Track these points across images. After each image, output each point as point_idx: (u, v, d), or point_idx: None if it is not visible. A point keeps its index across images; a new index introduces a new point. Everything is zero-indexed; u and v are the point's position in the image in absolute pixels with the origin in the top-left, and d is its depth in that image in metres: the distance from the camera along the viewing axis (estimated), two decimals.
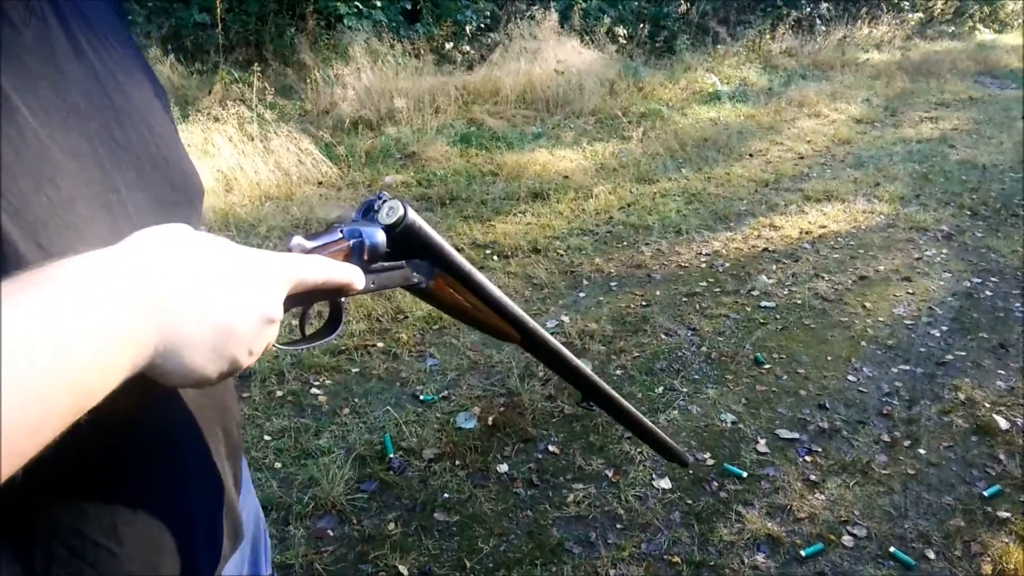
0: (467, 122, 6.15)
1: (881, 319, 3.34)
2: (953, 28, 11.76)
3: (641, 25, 8.81)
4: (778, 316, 3.36)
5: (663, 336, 3.18)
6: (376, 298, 3.35)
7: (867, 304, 3.47)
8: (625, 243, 4.16)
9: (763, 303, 3.48)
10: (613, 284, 3.68)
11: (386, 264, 0.66)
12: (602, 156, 5.68)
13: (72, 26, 0.53)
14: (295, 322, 0.65)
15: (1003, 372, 2.92)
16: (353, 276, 0.57)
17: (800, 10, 10.10)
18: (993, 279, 3.75)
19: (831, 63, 9.15)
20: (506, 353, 3.00)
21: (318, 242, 0.62)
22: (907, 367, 2.95)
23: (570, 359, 0.97)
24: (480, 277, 0.77)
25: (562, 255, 3.97)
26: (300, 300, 0.56)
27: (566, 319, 3.31)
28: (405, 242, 0.66)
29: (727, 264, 3.91)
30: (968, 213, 4.64)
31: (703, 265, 3.91)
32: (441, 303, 0.76)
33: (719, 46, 9.02)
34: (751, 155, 5.88)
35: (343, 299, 0.64)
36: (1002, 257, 3.99)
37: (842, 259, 3.97)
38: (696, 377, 2.87)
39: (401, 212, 0.64)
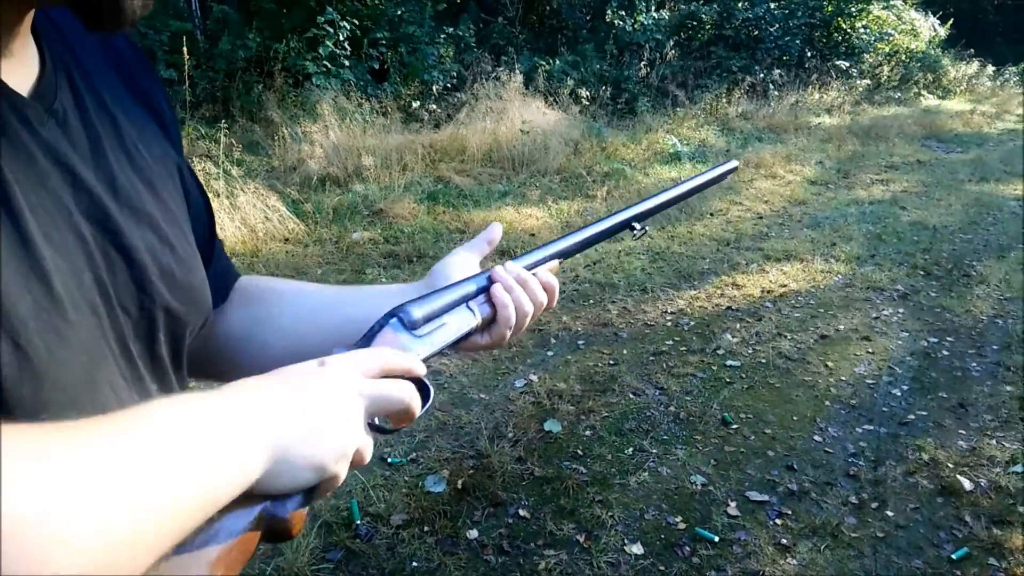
0: (434, 179, 6.20)
1: (843, 378, 3.39)
2: (899, 94, 12.30)
3: (603, 87, 9.05)
4: (743, 375, 3.39)
5: (631, 395, 3.19)
6: None
7: (829, 363, 3.53)
8: (592, 301, 4.19)
9: (728, 362, 3.51)
10: (581, 342, 3.70)
11: (433, 325, 0.69)
12: (567, 214, 5.75)
13: (97, 130, 0.53)
14: None
15: (964, 432, 2.97)
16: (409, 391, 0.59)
17: (754, 75, 10.49)
18: (949, 338, 3.85)
19: (785, 126, 9.48)
20: (475, 413, 2.97)
21: (367, 333, 0.66)
22: (871, 427, 2.99)
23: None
24: (541, 252, 0.81)
25: None
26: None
27: (535, 378, 3.30)
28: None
29: (692, 322, 3.96)
30: (922, 273, 4.78)
31: (668, 323, 3.95)
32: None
33: (678, 108, 9.30)
34: (712, 214, 6.01)
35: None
36: (956, 317, 4.11)
37: (803, 318, 4.05)
38: (665, 437, 2.88)
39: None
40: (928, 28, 14.11)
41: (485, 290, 0.75)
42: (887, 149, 8.86)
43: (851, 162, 8.16)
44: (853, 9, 11.85)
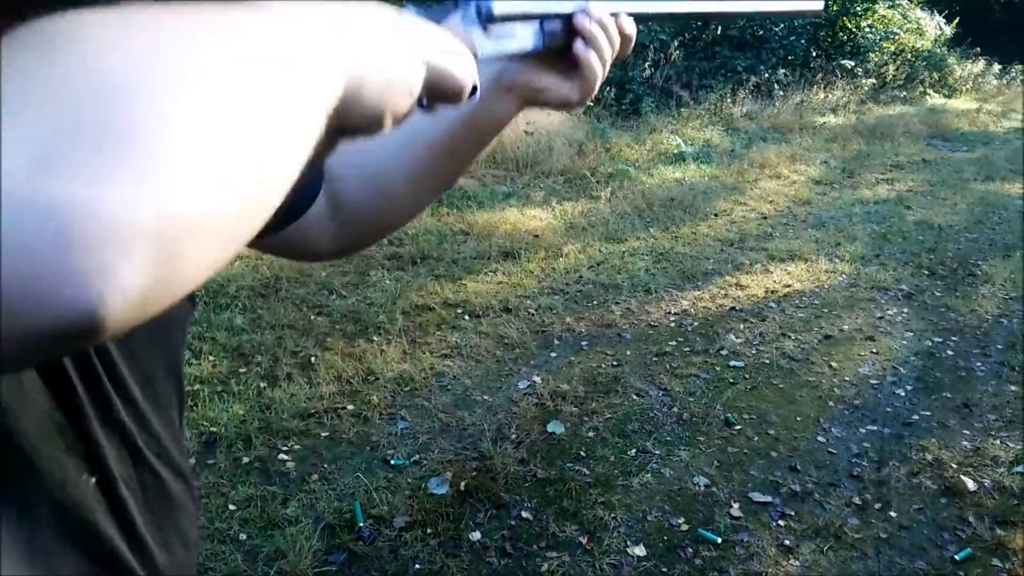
0: None
1: (847, 378, 3.39)
2: (905, 93, 12.26)
3: (608, 88, 9.04)
4: (747, 376, 3.39)
5: (634, 396, 3.19)
6: (345, 359, 3.32)
7: (833, 364, 3.52)
8: (595, 302, 4.19)
9: (732, 362, 3.51)
10: (584, 343, 3.70)
11: (504, 29, 0.64)
12: (571, 215, 5.76)
13: None
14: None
15: (968, 432, 2.97)
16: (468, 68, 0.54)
17: (759, 75, 10.47)
18: (954, 338, 3.84)
19: (790, 126, 9.46)
20: (478, 415, 2.98)
21: (432, 11, 0.61)
22: (875, 427, 2.99)
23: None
24: None
25: (533, 314, 3.98)
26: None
27: (538, 379, 3.30)
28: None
29: (696, 323, 3.95)
30: (927, 273, 4.77)
31: (672, 324, 3.94)
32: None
33: (683, 109, 9.29)
34: (716, 215, 6.01)
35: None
36: (961, 316, 4.09)
37: (807, 318, 4.04)
38: (668, 439, 2.88)
39: None
40: (934, 27, 14.07)
41: (566, 22, 0.68)
42: (892, 148, 8.83)
43: (856, 161, 8.14)
44: (858, 8, 11.82)
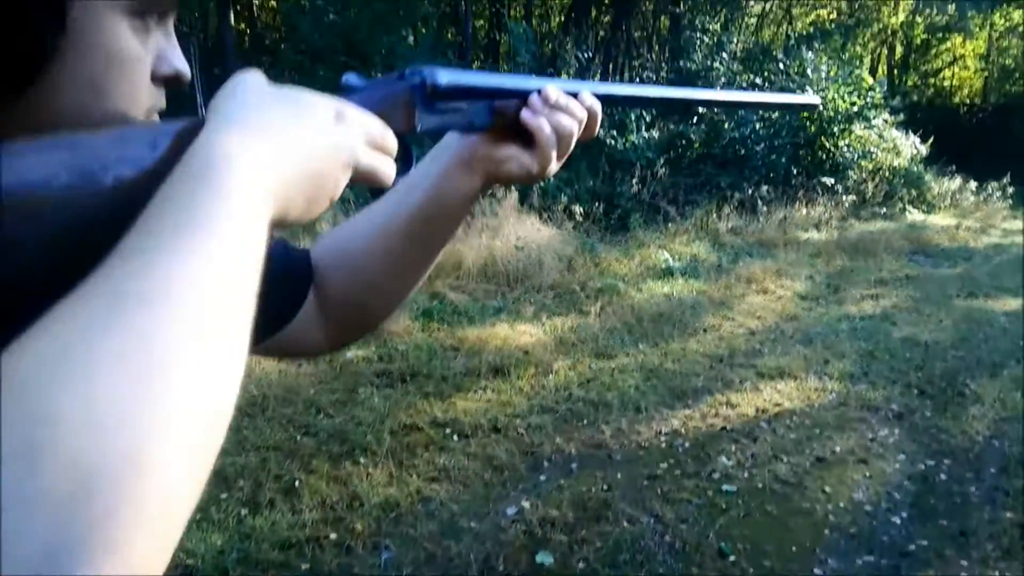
0: (429, 296, 6.27)
1: (842, 504, 3.33)
2: (885, 209, 12.63)
3: (597, 203, 9.30)
4: (740, 501, 3.33)
5: (625, 524, 3.12)
6: (330, 483, 3.25)
7: (827, 488, 3.47)
8: (585, 421, 4.16)
9: (724, 486, 3.46)
10: (574, 465, 3.64)
11: (449, 104, 0.65)
12: (561, 330, 5.79)
13: None
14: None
15: (966, 563, 2.90)
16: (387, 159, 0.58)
17: (743, 192, 10.80)
18: (947, 461, 3.80)
19: (774, 241, 9.68)
20: (464, 544, 2.90)
21: (377, 81, 0.62)
22: (871, 558, 2.92)
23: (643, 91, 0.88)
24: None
25: (522, 434, 3.94)
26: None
27: (527, 505, 3.23)
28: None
29: (687, 444, 3.91)
30: (916, 392, 4.77)
31: (663, 444, 3.90)
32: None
33: (670, 224, 9.53)
34: (705, 330, 6.05)
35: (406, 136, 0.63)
36: (953, 438, 4.07)
37: (799, 439, 4.01)
38: (661, 571, 2.79)
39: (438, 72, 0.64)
40: (909, 146, 14.64)
41: (521, 100, 0.70)
42: (875, 264, 9.01)
43: (841, 277, 8.29)
44: (836, 129, 12.34)
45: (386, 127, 0.57)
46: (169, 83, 0.53)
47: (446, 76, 0.63)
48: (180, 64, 0.52)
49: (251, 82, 0.49)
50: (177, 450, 0.31)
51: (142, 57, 0.50)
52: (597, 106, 0.74)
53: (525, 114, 0.69)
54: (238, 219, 0.39)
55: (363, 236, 0.78)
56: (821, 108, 12.17)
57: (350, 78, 0.61)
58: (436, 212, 0.75)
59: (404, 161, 0.62)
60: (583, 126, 0.73)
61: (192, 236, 0.37)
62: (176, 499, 0.31)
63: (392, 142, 0.57)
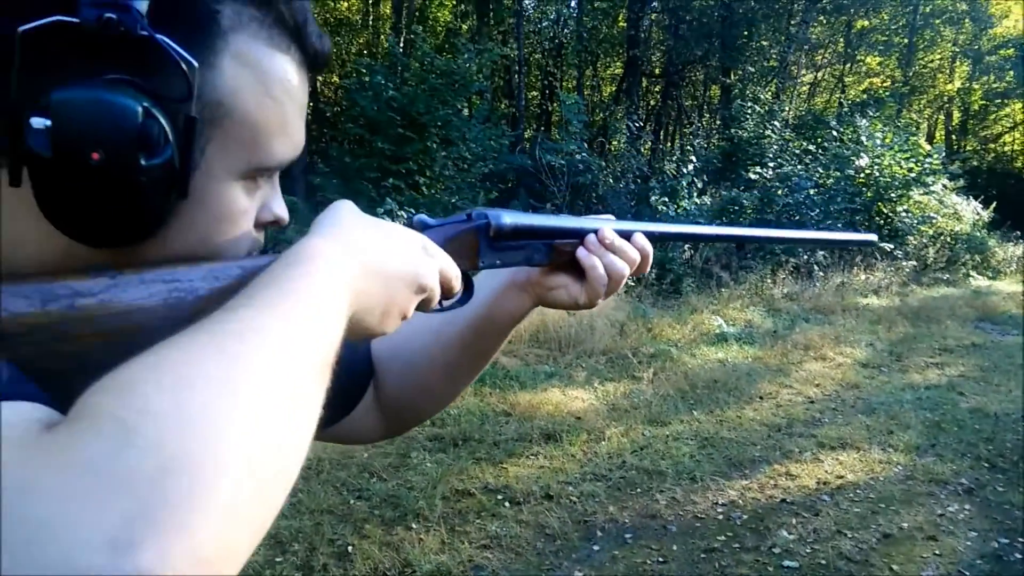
0: None
1: None
2: (947, 275, 12.32)
3: (649, 269, 9.30)
4: None
5: None
6: (382, 548, 3.25)
7: (894, 566, 3.32)
8: (639, 490, 4.09)
9: (786, 562, 3.34)
10: (628, 536, 3.57)
11: (511, 243, 0.71)
12: (614, 396, 5.74)
13: None
14: None
15: None
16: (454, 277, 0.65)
17: (798, 257, 10.68)
18: (1020, 539, 3.61)
19: (831, 307, 9.49)
20: None
21: (446, 221, 0.68)
22: None
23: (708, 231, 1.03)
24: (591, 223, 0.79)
25: (575, 502, 3.89)
26: None
27: (580, 575, 3.17)
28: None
29: (745, 516, 3.81)
30: (986, 465, 4.57)
31: (720, 516, 3.80)
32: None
33: (723, 289, 9.45)
34: (761, 398, 5.93)
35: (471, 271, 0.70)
36: None
37: (863, 513, 3.87)
38: None
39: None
40: (971, 211, 14.35)
41: (578, 240, 0.76)
42: (939, 331, 8.75)
43: (903, 344, 8.06)
44: (893, 195, 12.18)
45: (454, 265, 0.64)
46: (269, 226, 0.59)
47: (509, 219, 0.70)
48: (280, 212, 0.58)
49: (346, 207, 0.57)
50: (248, 460, 0.35)
51: (248, 211, 0.55)
52: (649, 248, 0.80)
53: (580, 253, 0.76)
54: (319, 297, 0.46)
55: (419, 343, 0.85)
56: (877, 174, 12.07)
57: (423, 218, 0.67)
58: (487, 326, 0.81)
59: (466, 293, 0.69)
60: (635, 267, 0.79)
61: (283, 301, 0.44)
62: (243, 503, 0.34)
63: (455, 273, 0.64)
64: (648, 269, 0.82)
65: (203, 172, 0.50)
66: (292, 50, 0.53)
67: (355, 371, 0.83)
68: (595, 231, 0.76)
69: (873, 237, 1.08)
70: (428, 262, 0.59)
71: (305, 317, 0.44)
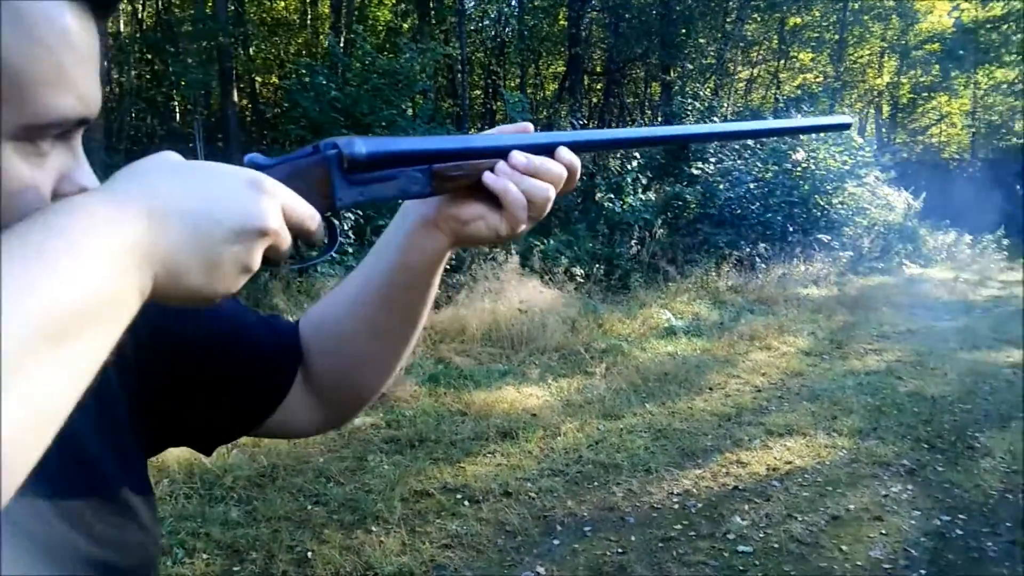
0: (435, 361, 6.30)
1: (859, 563, 3.30)
2: (882, 264, 12.75)
3: (597, 265, 9.41)
4: (756, 562, 3.30)
5: None
6: (343, 552, 3.22)
7: (843, 547, 3.44)
8: (596, 483, 4.14)
9: (740, 547, 3.43)
10: (587, 529, 3.61)
11: (374, 175, 0.60)
12: (568, 392, 5.80)
13: None
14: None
15: None
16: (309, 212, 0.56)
17: (741, 250, 10.93)
18: (961, 516, 3.77)
19: (774, 298, 9.74)
20: None
21: (286, 158, 0.58)
22: None
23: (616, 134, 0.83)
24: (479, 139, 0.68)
25: (534, 498, 3.92)
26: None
27: (541, 570, 3.20)
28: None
29: (699, 504, 3.89)
30: (926, 446, 4.76)
31: (676, 506, 3.88)
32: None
33: (670, 283, 9.61)
34: (711, 388, 6.06)
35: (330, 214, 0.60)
36: (966, 492, 4.05)
37: (812, 497, 3.99)
38: None
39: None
40: (902, 201, 14.88)
41: (475, 159, 0.65)
42: (877, 318, 9.06)
43: (843, 332, 8.33)
44: (829, 187, 12.55)
45: (303, 201, 0.55)
46: None
47: (365, 146, 0.60)
48: (87, 182, 0.50)
49: (157, 157, 0.50)
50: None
51: (33, 180, 0.47)
52: (576, 162, 0.70)
53: (487, 177, 0.66)
54: (55, 254, 0.40)
55: (341, 309, 0.77)
56: (813, 167, 12.42)
57: (255, 157, 0.57)
58: (407, 276, 0.73)
59: (329, 238, 0.60)
60: (561, 185, 0.69)
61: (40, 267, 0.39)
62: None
63: (306, 211, 0.55)
64: (575, 185, 0.71)
65: None
66: None
67: (279, 357, 0.76)
68: (502, 151, 0.66)
69: (847, 119, 0.91)
70: (260, 199, 0.50)
71: (60, 286, 0.38)
